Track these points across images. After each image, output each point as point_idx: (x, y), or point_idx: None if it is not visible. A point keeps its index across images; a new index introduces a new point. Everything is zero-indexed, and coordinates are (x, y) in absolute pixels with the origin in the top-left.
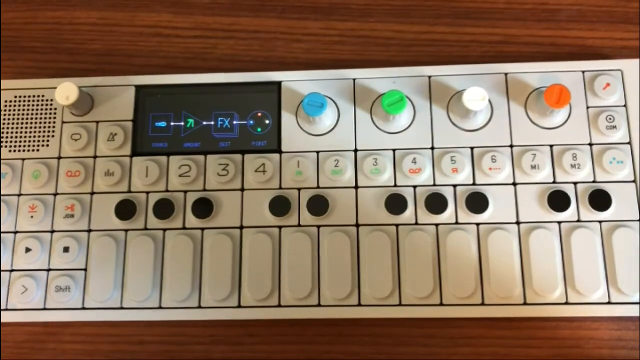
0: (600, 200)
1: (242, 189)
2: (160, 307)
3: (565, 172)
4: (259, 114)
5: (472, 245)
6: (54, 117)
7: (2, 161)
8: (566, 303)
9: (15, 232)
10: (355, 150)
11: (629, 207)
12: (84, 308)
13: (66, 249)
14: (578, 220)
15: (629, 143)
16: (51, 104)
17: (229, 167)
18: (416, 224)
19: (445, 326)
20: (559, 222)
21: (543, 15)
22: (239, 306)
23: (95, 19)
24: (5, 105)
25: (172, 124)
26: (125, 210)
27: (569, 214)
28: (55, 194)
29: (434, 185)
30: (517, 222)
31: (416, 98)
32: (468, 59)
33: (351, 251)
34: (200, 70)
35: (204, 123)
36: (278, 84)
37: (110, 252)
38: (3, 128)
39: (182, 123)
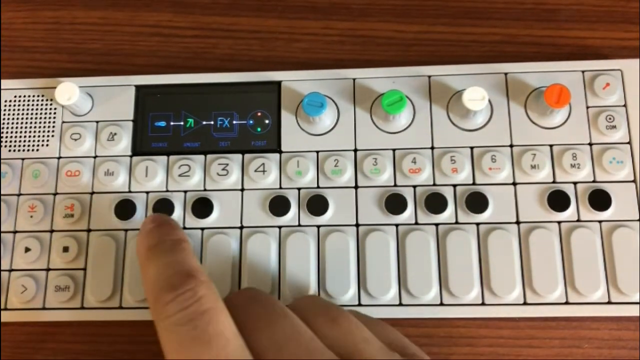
0: (600, 200)
1: (242, 189)
2: None
3: (565, 172)
4: (259, 114)
5: (472, 245)
6: (54, 117)
7: (2, 161)
8: (566, 303)
9: (15, 232)
10: (355, 150)
11: (629, 207)
12: (83, 308)
13: (66, 249)
14: (578, 220)
15: (629, 143)
16: (51, 104)
17: (229, 167)
18: (416, 223)
19: (445, 326)
20: (559, 222)
21: (543, 15)
22: None
23: (95, 18)
24: (5, 105)
25: (171, 123)
26: (125, 210)
27: (569, 213)
28: (55, 194)
29: (434, 185)
30: (517, 222)
31: (416, 98)
32: (468, 59)
33: (351, 251)
34: (200, 70)
35: (204, 123)
36: (278, 83)
37: (110, 252)
38: (3, 128)
39: (182, 123)
